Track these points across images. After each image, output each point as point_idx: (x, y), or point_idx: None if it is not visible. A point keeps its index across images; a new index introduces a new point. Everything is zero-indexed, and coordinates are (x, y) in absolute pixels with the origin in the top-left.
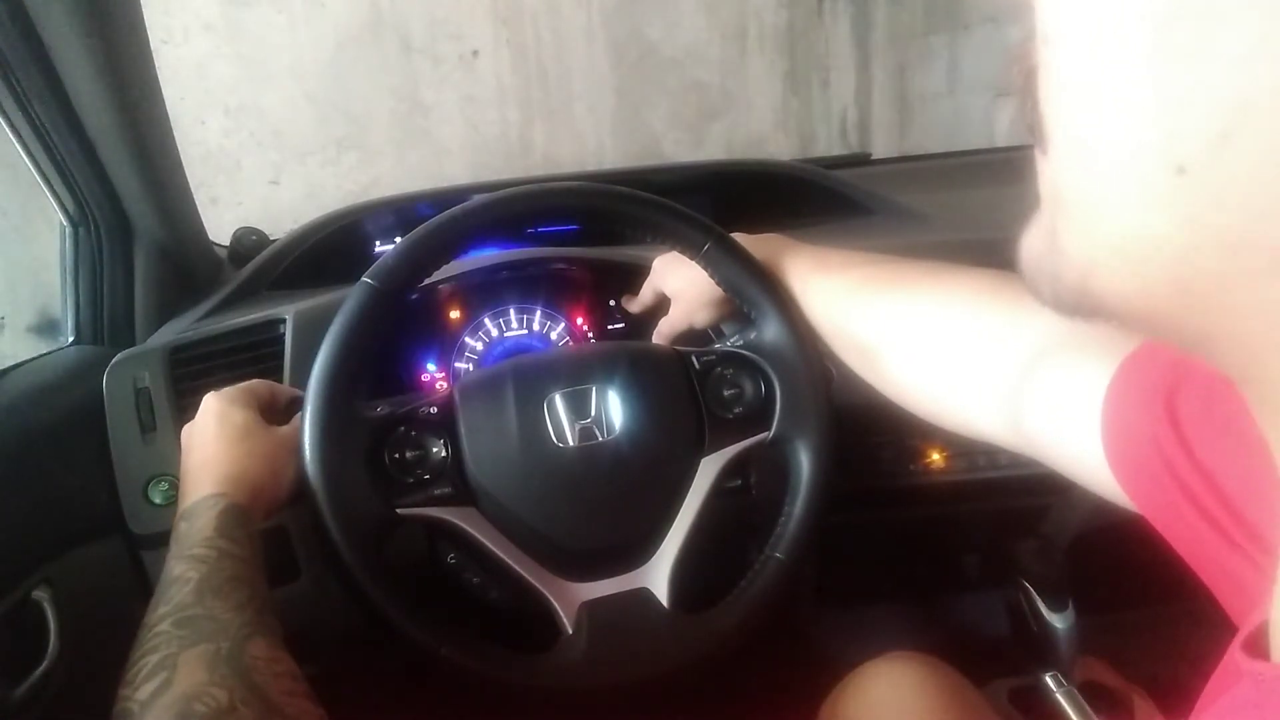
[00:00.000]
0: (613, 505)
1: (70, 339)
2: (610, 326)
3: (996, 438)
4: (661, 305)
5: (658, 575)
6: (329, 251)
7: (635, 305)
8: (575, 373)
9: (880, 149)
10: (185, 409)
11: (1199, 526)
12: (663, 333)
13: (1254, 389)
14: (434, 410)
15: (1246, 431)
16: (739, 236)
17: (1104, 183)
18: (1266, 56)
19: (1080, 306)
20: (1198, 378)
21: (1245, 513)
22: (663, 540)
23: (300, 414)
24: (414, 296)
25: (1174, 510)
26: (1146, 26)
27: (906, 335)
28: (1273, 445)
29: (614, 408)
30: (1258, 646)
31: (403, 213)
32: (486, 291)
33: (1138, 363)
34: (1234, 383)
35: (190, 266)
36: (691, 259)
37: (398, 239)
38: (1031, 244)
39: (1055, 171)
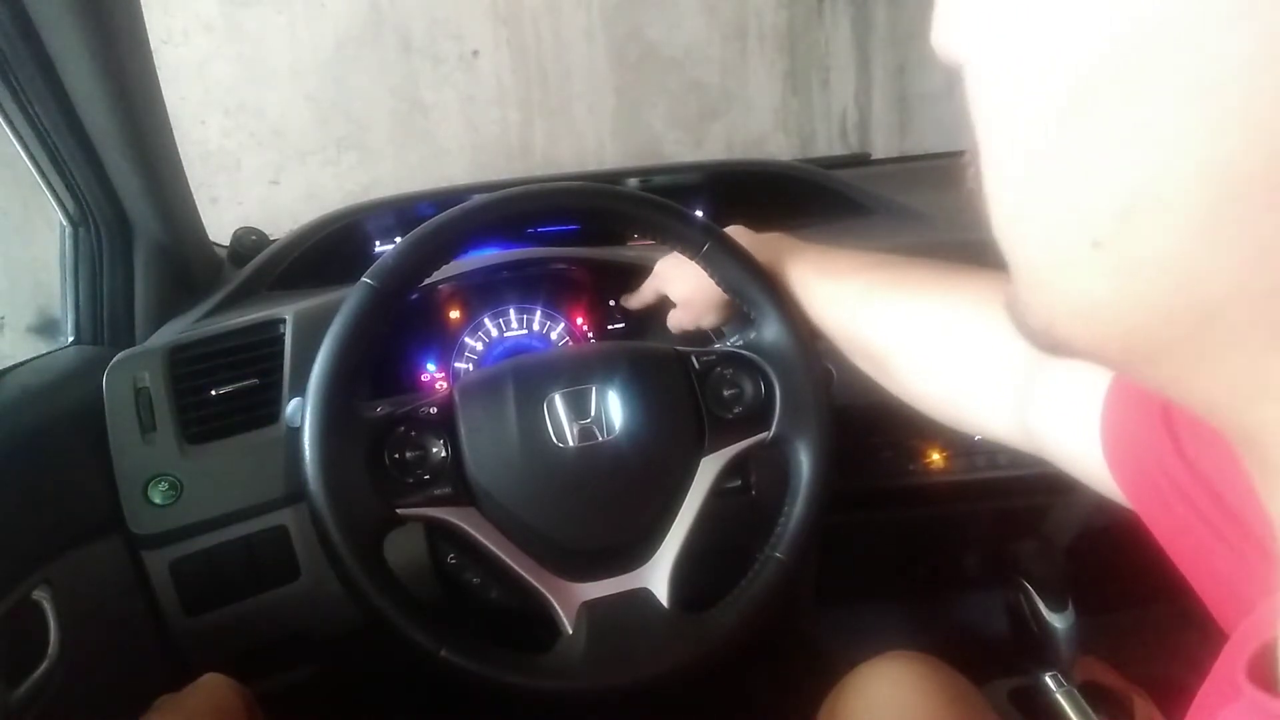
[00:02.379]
0: (613, 505)
1: (70, 339)
2: (610, 326)
3: (1007, 438)
4: (661, 305)
5: (658, 575)
6: (329, 251)
7: (635, 302)
8: (575, 373)
9: (880, 149)
10: (185, 409)
11: (1193, 526)
12: (672, 324)
13: (1231, 436)
14: (434, 410)
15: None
16: (744, 232)
17: (1035, 251)
18: (1147, 145)
19: (1054, 349)
20: None
21: (1238, 512)
22: (663, 540)
23: (300, 414)
24: (414, 296)
25: (1167, 510)
26: (1040, 113)
27: (917, 339)
28: (1259, 490)
29: (614, 408)
30: (1262, 672)
31: (403, 213)
32: (486, 291)
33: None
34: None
35: (190, 266)
36: (691, 259)
37: (398, 239)
38: (1007, 289)
39: (998, 236)
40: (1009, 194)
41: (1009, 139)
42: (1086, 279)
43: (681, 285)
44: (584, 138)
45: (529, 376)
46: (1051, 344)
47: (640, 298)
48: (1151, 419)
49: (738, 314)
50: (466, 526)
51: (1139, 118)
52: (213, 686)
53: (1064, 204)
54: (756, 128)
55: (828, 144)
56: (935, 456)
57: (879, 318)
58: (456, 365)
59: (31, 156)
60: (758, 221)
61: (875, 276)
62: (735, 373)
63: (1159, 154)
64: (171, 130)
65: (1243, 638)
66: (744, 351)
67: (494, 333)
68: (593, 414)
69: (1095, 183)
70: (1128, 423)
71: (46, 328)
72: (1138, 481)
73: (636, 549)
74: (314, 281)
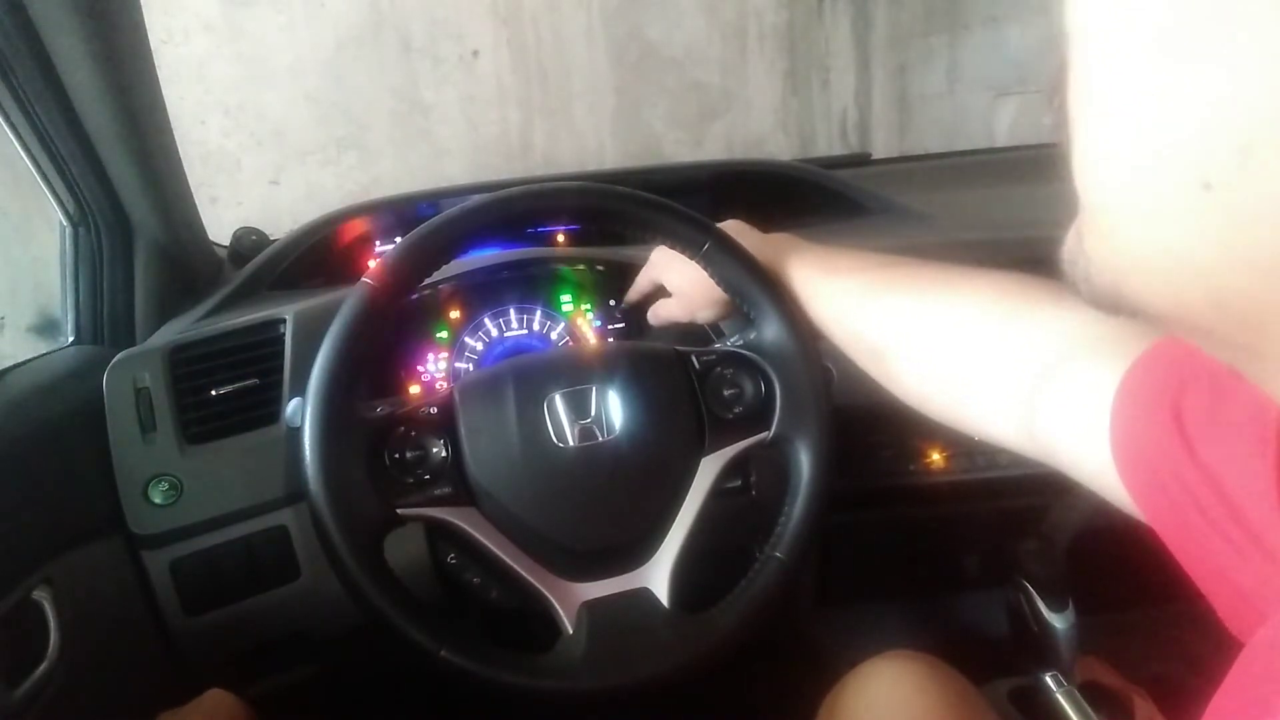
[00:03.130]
0: (613, 505)
1: (70, 339)
2: (610, 326)
3: (1012, 443)
4: (658, 295)
5: (658, 575)
6: (329, 251)
7: (632, 293)
8: (575, 373)
9: (880, 149)
10: (185, 409)
11: (1203, 531)
12: (659, 315)
13: None
14: (434, 410)
15: (1252, 431)
16: (746, 230)
17: (1125, 193)
18: None
19: (1118, 308)
20: (1203, 376)
21: (1248, 515)
22: (663, 540)
23: (300, 414)
24: (414, 296)
25: (1178, 514)
26: (1158, 26)
27: (921, 338)
28: None
29: (614, 408)
30: None
31: (403, 213)
32: (486, 291)
33: (1146, 365)
34: (1240, 376)
35: (190, 266)
36: (691, 258)
37: (398, 239)
38: (1069, 242)
39: (1078, 176)
40: (1102, 127)
41: (1112, 61)
42: (1185, 227)
43: (678, 277)
44: (584, 138)
45: (529, 376)
46: (1115, 301)
47: (637, 288)
48: (1164, 422)
49: (734, 311)
50: (467, 526)
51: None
52: (216, 701)
53: (1173, 138)
54: (756, 128)
55: (828, 144)
56: (935, 456)
57: (881, 316)
58: (456, 365)
59: (31, 156)
60: (758, 221)
61: (878, 275)
62: (735, 372)
63: None
64: (171, 130)
65: (1264, 649)
66: (744, 351)
67: (494, 333)
68: (593, 414)
69: (1216, 113)
70: (1138, 425)
71: (46, 328)
72: (1148, 486)
73: (637, 549)
74: (314, 281)
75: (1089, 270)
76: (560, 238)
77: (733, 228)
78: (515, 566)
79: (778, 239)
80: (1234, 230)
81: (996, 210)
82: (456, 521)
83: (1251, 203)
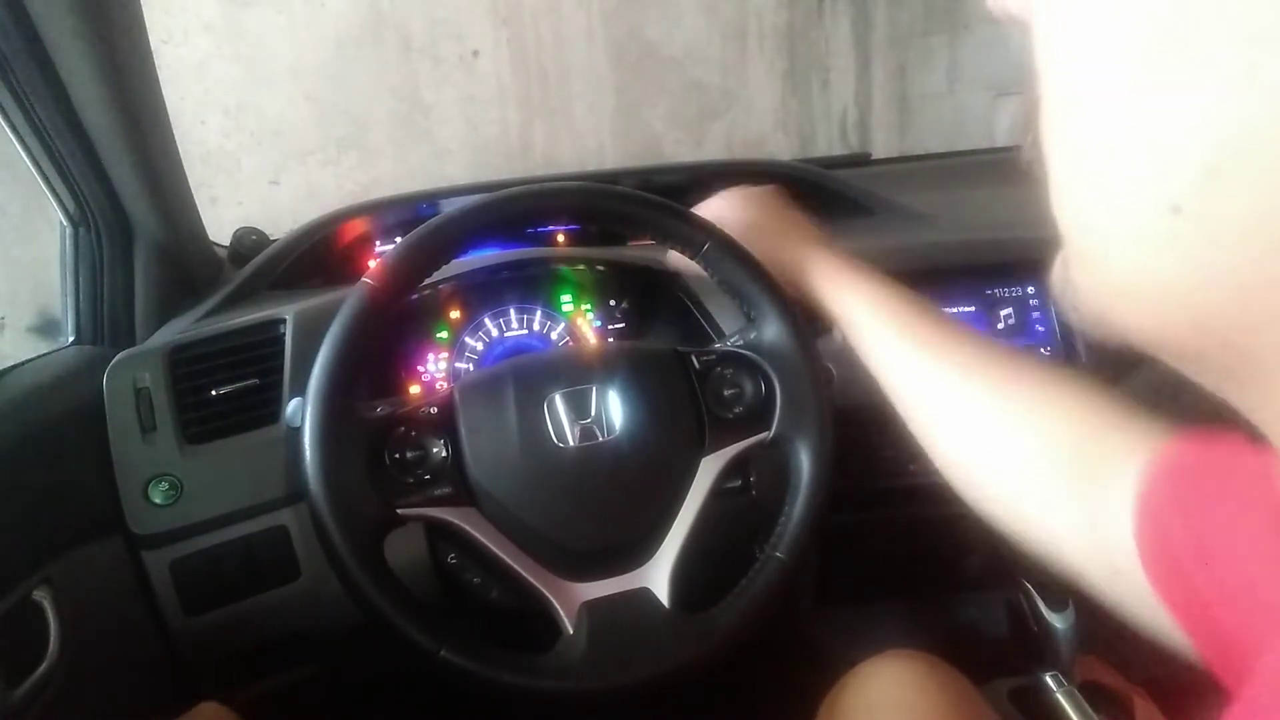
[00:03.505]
0: (613, 505)
1: (70, 339)
2: (610, 326)
3: (1070, 551)
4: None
5: (658, 575)
6: (329, 251)
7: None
8: (575, 373)
9: (880, 149)
10: (185, 409)
11: (1206, 614)
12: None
13: None
14: (434, 410)
15: (1256, 508)
16: (777, 202)
17: (1102, 221)
18: (1253, 87)
19: (1108, 335)
20: (1215, 456)
21: (1253, 586)
22: (663, 540)
23: (301, 414)
24: (414, 296)
25: (1179, 583)
26: (1123, 60)
27: (975, 418)
28: None
29: (614, 408)
30: None
31: (403, 213)
32: (486, 291)
33: (1165, 456)
34: (1253, 446)
35: (190, 266)
36: (691, 258)
37: (398, 239)
38: (1056, 271)
39: (1056, 206)
40: (1075, 157)
41: (1082, 92)
42: (1160, 251)
43: (737, 222)
44: (584, 138)
45: (529, 376)
46: (1103, 329)
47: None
48: (1173, 509)
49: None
50: (467, 526)
51: (1246, 59)
52: (209, 714)
53: (1142, 164)
54: (756, 128)
55: (828, 144)
56: None
57: (933, 381)
58: (457, 365)
59: (31, 156)
60: None
61: (934, 333)
62: (735, 372)
63: (1262, 100)
64: (171, 130)
65: (1266, 672)
66: (744, 351)
67: (494, 333)
68: (593, 414)
69: (1181, 137)
70: (1159, 520)
71: (46, 328)
72: (1165, 574)
73: (637, 549)
74: (314, 281)
75: (1076, 298)
76: (560, 238)
77: (764, 194)
78: (515, 566)
79: (811, 237)
80: (1206, 252)
81: (997, 210)
82: (456, 521)
83: (1220, 223)
